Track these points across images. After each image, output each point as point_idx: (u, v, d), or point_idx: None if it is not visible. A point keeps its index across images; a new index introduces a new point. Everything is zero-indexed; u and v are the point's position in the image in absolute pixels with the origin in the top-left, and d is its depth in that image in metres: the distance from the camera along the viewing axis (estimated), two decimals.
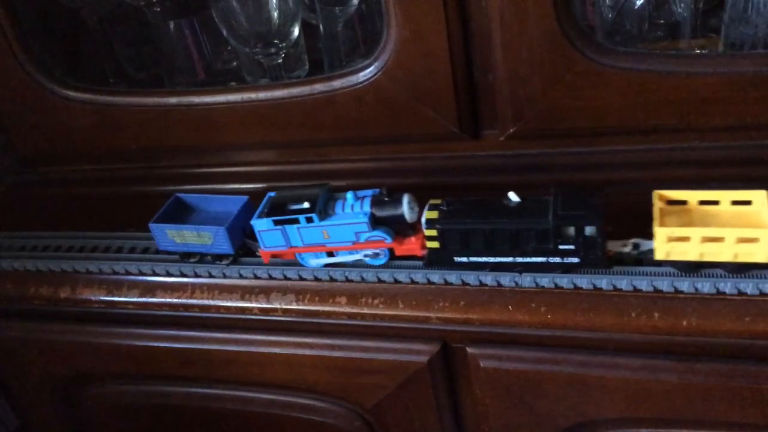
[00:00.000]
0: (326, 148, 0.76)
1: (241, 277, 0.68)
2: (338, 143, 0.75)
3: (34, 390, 0.87)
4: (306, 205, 0.63)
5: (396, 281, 0.63)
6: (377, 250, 0.64)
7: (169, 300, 0.69)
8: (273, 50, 0.77)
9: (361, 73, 0.70)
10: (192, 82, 0.87)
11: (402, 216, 0.62)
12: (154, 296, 0.70)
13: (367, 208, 0.63)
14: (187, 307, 0.69)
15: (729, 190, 0.57)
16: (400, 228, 0.63)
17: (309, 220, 0.63)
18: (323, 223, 0.63)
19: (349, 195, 0.64)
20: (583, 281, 0.60)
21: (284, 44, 0.77)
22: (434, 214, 0.61)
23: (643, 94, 0.64)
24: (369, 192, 0.64)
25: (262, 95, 0.74)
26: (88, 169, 0.86)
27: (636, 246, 0.59)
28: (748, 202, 0.57)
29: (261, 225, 0.64)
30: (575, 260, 0.59)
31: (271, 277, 0.67)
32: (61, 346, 0.79)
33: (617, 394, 0.63)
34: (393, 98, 0.70)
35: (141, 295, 0.70)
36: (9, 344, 0.82)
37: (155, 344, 0.75)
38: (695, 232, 0.55)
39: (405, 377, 0.68)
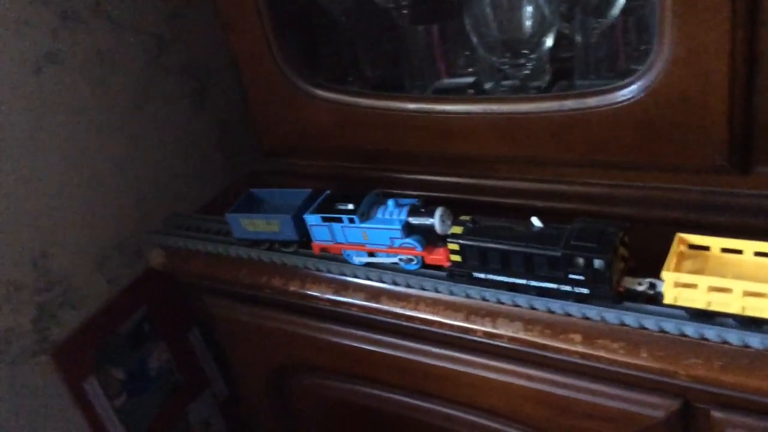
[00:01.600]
0: (568, 169, 0.71)
1: (467, 297, 0.65)
2: (582, 165, 0.70)
3: (250, 369, 0.92)
4: (350, 206, 0.69)
5: (641, 327, 0.57)
6: (409, 256, 0.68)
7: (392, 309, 0.68)
8: (522, 61, 0.73)
9: (620, 92, 0.64)
10: (430, 88, 0.85)
11: (433, 227, 0.66)
12: (378, 302, 0.69)
13: (403, 216, 0.67)
14: (409, 318, 0.68)
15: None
16: (431, 238, 0.67)
17: (351, 220, 0.69)
18: (363, 225, 0.69)
19: (390, 202, 0.69)
20: None
21: (534, 55, 0.73)
22: (459, 230, 0.64)
23: None
24: (409, 201, 0.69)
25: (505, 108, 0.71)
26: (323, 165, 0.88)
27: (652, 285, 0.58)
28: None
29: (311, 220, 0.72)
30: (585, 291, 0.59)
31: (499, 301, 0.64)
32: (283, 334, 0.81)
33: None
34: (654, 122, 0.63)
35: (366, 300, 0.70)
36: (235, 325, 0.86)
37: (372, 348, 0.75)
38: (702, 281, 0.54)
39: (634, 430, 0.62)
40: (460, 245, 0.63)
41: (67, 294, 0.96)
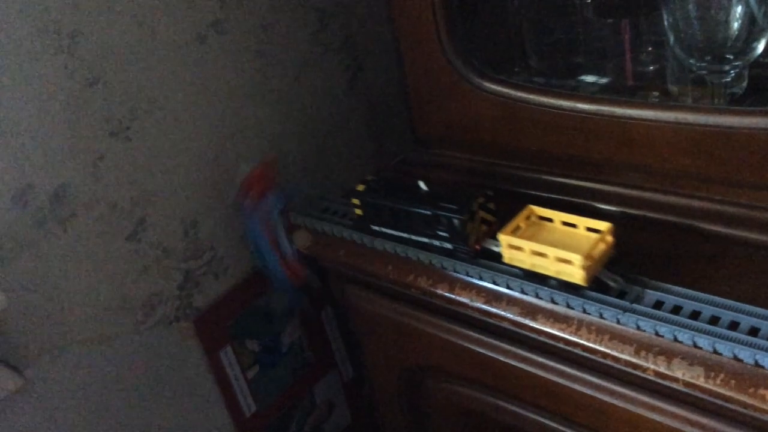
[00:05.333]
0: None
1: (638, 328, 0.58)
2: None
3: (383, 363, 0.89)
4: None
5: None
6: None
7: (549, 329, 0.63)
8: (726, 67, 0.64)
9: None
10: (607, 87, 0.78)
11: None
12: (534, 320, 0.64)
13: None
14: (568, 343, 0.62)
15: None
16: None
17: None
18: None
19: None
20: None
21: (739, 62, 0.64)
22: (362, 188, 0.74)
23: None
24: None
25: (702, 119, 0.63)
26: (478, 161, 0.83)
27: None
28: (599, 231, 0.62)
29: None
30: (449, 246, 0.69)
31: (676, 340, 0.57)
32: (423, 335, 0.78)
33: None
34: None
35: (520, 315, 0.65)
36: (374, 318, 0.84)
37: (520, 365, 0.70)
38: (525, 245, 0.63)
39: None
40: (360, 201, 0.74)
41: (212, 263, 0.97)
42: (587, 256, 0.59)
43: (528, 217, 0.66)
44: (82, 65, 0.78)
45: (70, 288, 0.83)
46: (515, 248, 0.64)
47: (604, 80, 0.81)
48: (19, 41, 0.74)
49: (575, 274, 0.60)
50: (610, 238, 0.62)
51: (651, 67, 0.80)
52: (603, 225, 0.62)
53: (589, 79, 0.82)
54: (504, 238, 0.64)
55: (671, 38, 0.66)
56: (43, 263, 0.80)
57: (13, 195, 0.76)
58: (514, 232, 0.65)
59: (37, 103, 0.76)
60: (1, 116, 0.74)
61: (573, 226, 0.64)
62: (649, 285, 0.61)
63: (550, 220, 0.66)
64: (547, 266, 0.62)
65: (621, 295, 0.60)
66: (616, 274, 0.61)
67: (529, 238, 0.63)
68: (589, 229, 0.63)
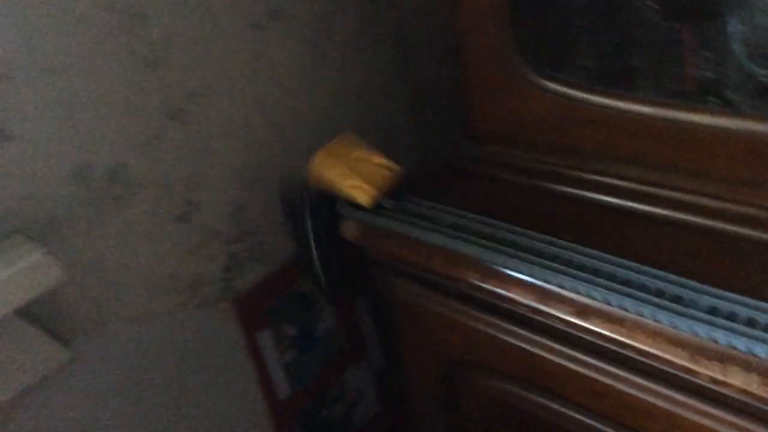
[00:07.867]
0: None
1: (693, 333, 0.59)
2: None
3: (423, 356, 0.90)
4: None
5: None
6: None
7: (602, 330, 0.63)
8: None
9: None
10: (665, 91, 0.78)
11: None
12: (586, 320, 0.64)
13: None
14: (621, 345, 0.62)
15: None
16: None
17: None
18: None
19: None
20: None
21: None
22: None
23: None
24: None
25: (765, 128, 0.63)
26: (530, 158, 0.83)
27: None
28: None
29: None
30: None
31: (731, 346, 0.57)
32: (468, 329, 0.79)
33: None
34: None
35: (572, 314, 0.65)
36: (418, 310, 0.84)
37: (567, 364, 0.70)
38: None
39: None
40: None
41: (255, 247, 0.98)
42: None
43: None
44: (144, 46, 0.80)
45: (121, 265, 0.85)
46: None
47: None
48: (85, 18, 0.75)
49: (364, 198, 0.79)
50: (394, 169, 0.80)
51: (706, 73, 0.80)
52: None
53: (652, 81, 0.81)
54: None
55: (736, 45, 0.66)
56: (97, 240, 0.81)
57: (73, 172, 0.78)
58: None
59: (98, 82, 0.77)
60: (63, 94, 0.75)
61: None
62: (418, 203, 0.79)
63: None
64: (349, 192, 0.80)
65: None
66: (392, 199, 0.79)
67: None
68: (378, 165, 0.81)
